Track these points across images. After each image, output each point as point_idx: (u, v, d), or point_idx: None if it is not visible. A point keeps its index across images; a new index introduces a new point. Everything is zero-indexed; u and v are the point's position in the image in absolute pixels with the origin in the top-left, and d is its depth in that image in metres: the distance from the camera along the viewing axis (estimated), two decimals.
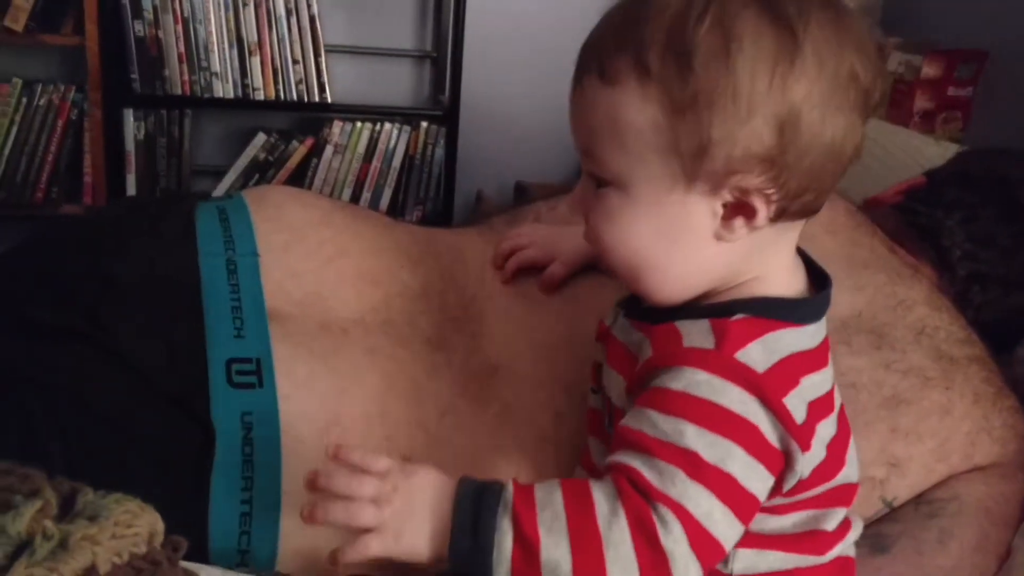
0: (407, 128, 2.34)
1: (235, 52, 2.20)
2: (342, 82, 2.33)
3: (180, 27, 2.15)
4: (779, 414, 0.57)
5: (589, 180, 0.63)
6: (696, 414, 0.56)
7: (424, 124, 2.35)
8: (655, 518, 0.54)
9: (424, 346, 0.83)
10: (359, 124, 2.32)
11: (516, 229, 0.93)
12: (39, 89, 2.15)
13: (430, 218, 2.40)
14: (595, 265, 0.89)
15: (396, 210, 2.40)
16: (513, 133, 2.50)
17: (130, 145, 2.20)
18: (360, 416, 0.74)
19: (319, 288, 0.83)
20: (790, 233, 0.63)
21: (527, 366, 0.84)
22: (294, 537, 0.68)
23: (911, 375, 0.85)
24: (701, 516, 0.55)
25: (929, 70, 1.96)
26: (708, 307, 0.62)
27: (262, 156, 2.30)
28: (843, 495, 0.65)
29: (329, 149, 2.32)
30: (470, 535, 0.56)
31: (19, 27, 2.04)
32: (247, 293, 0.78)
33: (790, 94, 0.56)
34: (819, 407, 0.61)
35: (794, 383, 0.59)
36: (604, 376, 0.69)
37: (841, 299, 0.85)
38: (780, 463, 0.58)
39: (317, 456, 0.70)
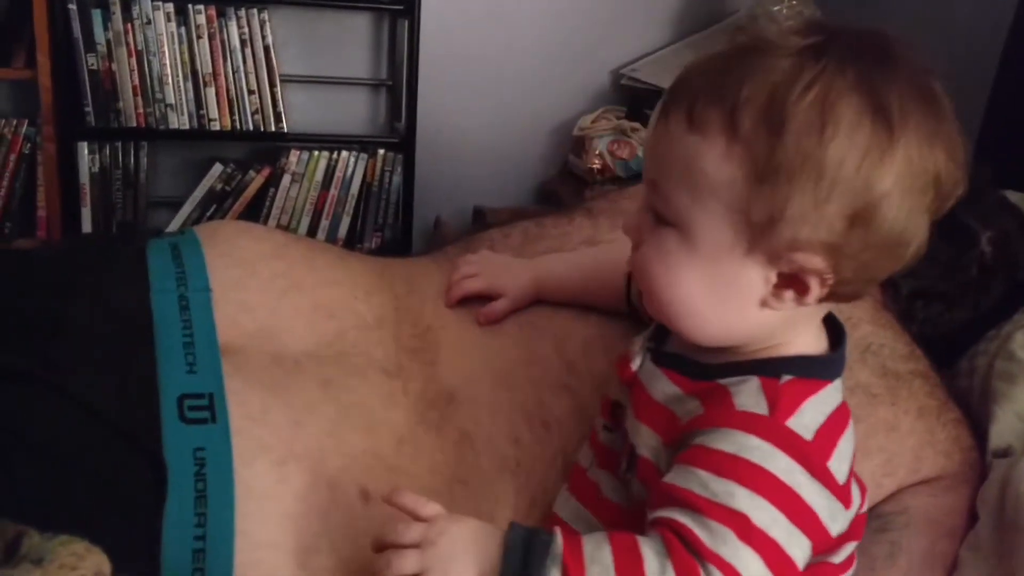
0: (364, 156, 2.34)
1: (190, 84, 2.19)
2: (298, 111, 2.33)
3: (134, 59, 2.14)
4: (824, 480, 0.58)
5: (648, 212, 0.63)
6: (746, 477, 0.57)
7: (381, 151, 2.35)
8: None
9: (379, 376, 0.83)
10: (316, 153, 2.32)
11: (466, 257, 0.94)
12: None
13: (389, 244, 2.40)
14: (541, 299, 0.90)
15: (355, 237, 2.40)
16: (470, 158, 2.52)
17: (84, 178, 2.18)
18: (315, 448, 0.74)
19: (273, 321, 0.83)
20: (826, 309, 0.65)
21: (485, 393, 0.85)
22: (248, 573, 0.68)
23: (858, 392, 0.87)
24: None
25: None
26: (754, 363, 0.63)
27: (219, 187, 2.29)
28: (855, 529, 0.66)
29: (286, 178, 2.31)
30: None
31: None
32: (199, 329, 0.78)
33: (872, 188, 0.56)
34: (853, 457, 0.63)
35: (835, 443, 0.60)
36: (628, 423, 0.69)
37: None
38: (820, 530, 0.59)
39: (271, 490, 0.71)
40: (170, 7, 2.13)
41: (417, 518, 0.62)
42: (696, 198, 0.59)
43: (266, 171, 2.31)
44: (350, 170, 2.35)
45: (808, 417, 0.60)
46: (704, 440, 0.59)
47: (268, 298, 0.84)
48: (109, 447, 0.69)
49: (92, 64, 2.11)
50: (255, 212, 2.32)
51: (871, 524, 0.86)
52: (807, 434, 0.59)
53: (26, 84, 2.10)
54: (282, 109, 2.26)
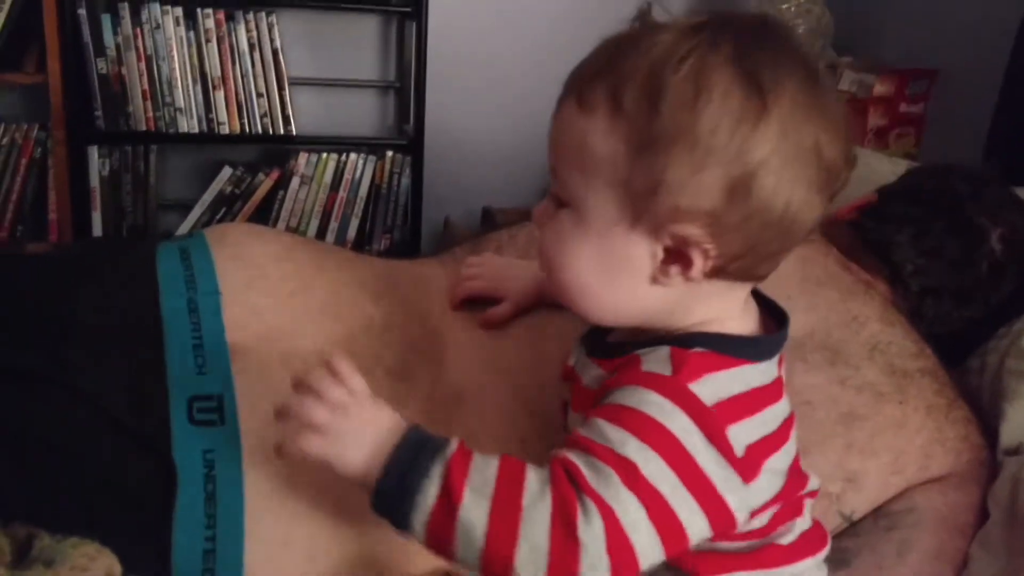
0: (372, 158, 2.35)
1: (199, 87, 2.20)
2: (306, 114, 2.34)
3: (143, 64, 2.15)
4: (720, 446, 0.58)
5: (552, 198, 0.65)
6: (641, 430, 0.58)
7: (389, 153, 2.36)
8: (579, 508, 0.55)
9: (387, 377, 0.83)
10: (325, 155, 2.33)
11: (468, 259, 0.95)
12: (1, 128, 2.14)
13: (398, 246, 2.41)
14: (544, 300, 0.90)
15: (364, 239, 2.40)
16: (478, 159, 2.52)
17: (95, 182, 2.19)
18: None
19: (281, 323, 0.83)
20: (738, 290, 0.64)
21: (491, 394, 0.85)
22: (259, 572, 0.68)
23: (865, 391, 0.87)
24: (627, 523, 0.56)
25: (882, 88, 2.00)
26: (670, 336, 0.64)
27: (228, 189, 2.30)
28: (793, 507, 0.66)
29: (295, 181, 2.32)
30: (399, 474, 0.58)
31: None
32: (208, 331, 0.78)
33: (747, 156, 0.56)
34: (771, 441, 0.62)
35: (739, 418, 0.60)
36: (569, 416, 0.70)
37: (795, 318, 0.86)
38: (715, 500, 0.59)
39: (280, 490, 0.71)
40: (179, 11, 2.15)
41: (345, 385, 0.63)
42: (584, 175, 0.61)
43: (275, 174, 2.32)
44: (359, 172, 2.35)
45: (709, 388, 0.60)
46: (611, 397, 0.61)
47: (277, 300, 0.84)
48: (119, 449, 0.69)
49: (102, 68, 2.12)
50: (264, 215, 2.33)
51: (879, 522, 0.86)
52: (707, 400, 0.59)
53: (36, 89, 2.11)
54: (291, 112, 2.27)
